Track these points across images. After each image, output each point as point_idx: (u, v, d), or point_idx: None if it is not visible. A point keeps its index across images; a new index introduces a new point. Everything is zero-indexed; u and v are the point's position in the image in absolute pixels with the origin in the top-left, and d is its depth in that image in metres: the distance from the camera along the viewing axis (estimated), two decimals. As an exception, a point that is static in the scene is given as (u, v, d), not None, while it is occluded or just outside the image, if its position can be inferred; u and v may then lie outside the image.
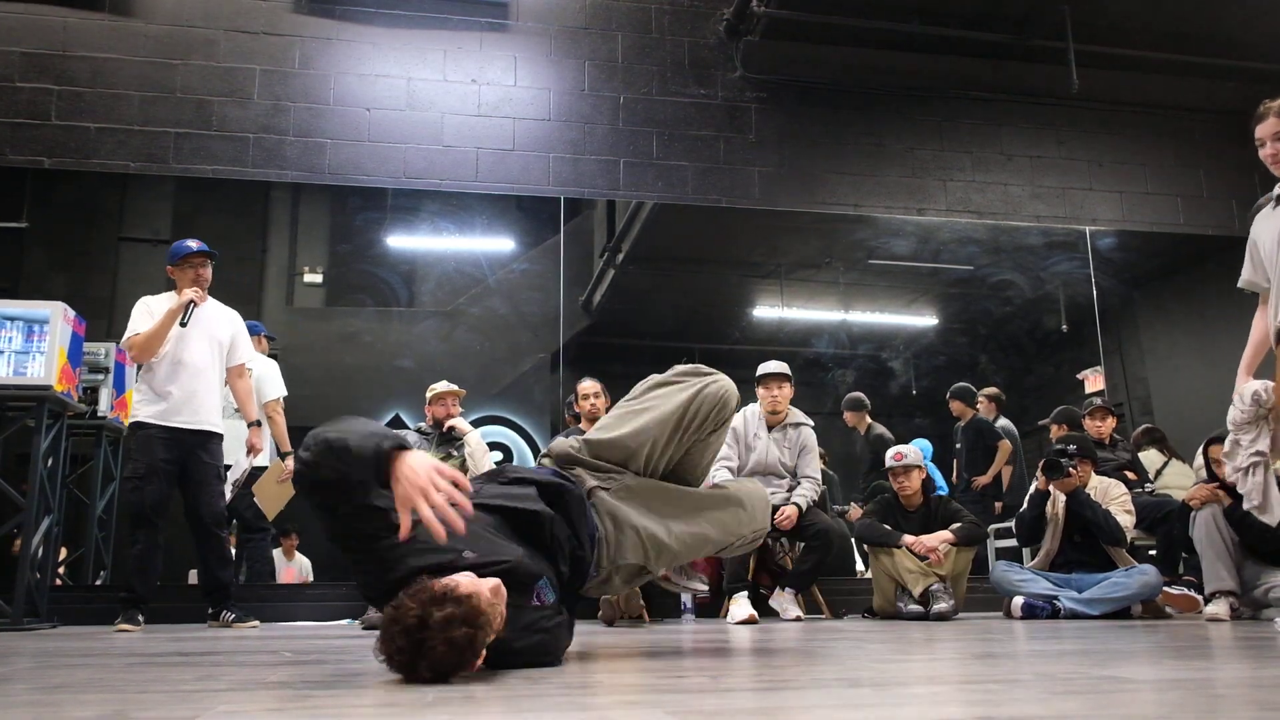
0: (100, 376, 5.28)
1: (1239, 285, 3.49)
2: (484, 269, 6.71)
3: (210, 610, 4.64)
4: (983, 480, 6.64)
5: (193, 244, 4.69)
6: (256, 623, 4.62)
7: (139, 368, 4.66)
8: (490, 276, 6.70)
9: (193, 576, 5.35)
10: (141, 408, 4.55)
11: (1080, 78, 7.11)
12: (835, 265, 7.51)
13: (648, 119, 6.89)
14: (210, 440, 4.64)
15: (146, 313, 4.60)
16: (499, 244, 6.83)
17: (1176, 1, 7.20)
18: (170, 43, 6.31)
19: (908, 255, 7.36)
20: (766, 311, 7.41)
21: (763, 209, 6.96)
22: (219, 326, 4.77)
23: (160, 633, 4.08)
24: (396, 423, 6.02)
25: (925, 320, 7.73)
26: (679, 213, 6.90)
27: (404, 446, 1.81)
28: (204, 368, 4.63)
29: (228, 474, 4.90)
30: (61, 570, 5.43)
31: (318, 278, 6.75)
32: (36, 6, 6.15)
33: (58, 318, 4.52)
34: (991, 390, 6.96)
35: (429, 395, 5.13)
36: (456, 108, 6.64)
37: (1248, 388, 3.38)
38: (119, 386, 5.42)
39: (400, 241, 6.78)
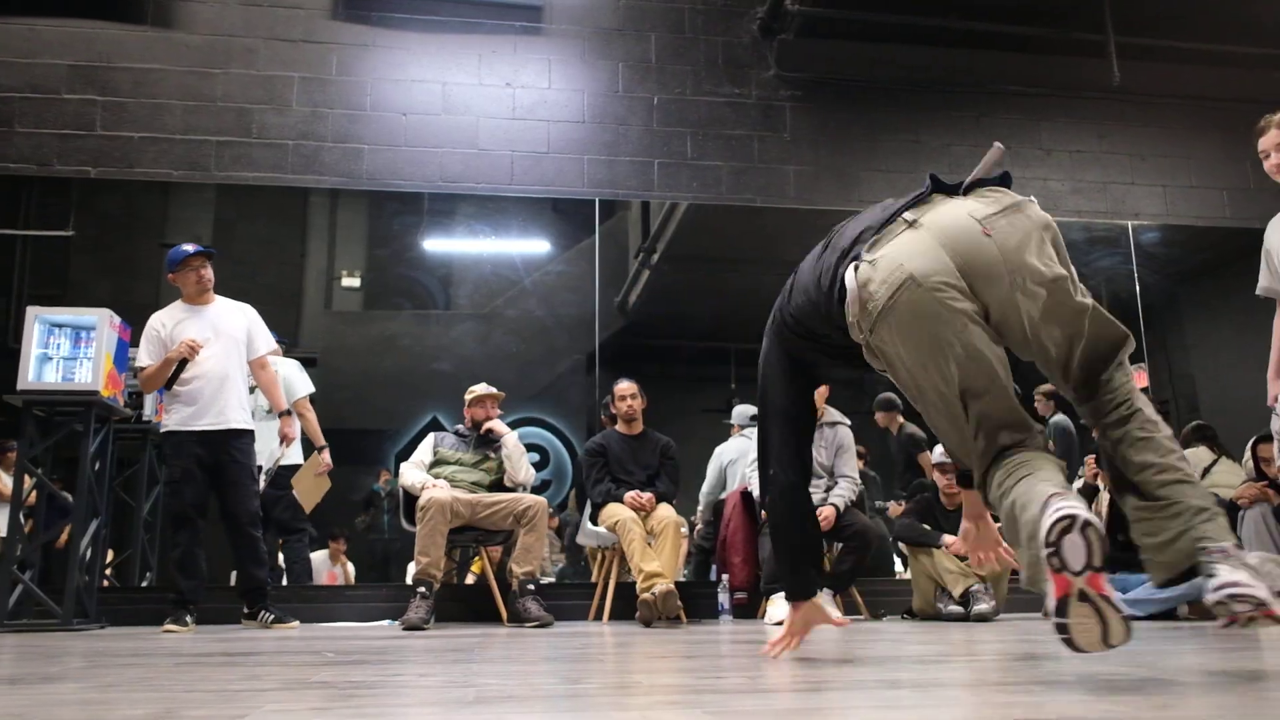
0: (145, 381, 5.37)
1: (1257, 292, 3.46)
2: (520, 271, 6.74)
3: (246, 610, 4.69)
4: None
5: (189, 247, 4.74)
6: (296, 623, 4.67)
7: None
8: (526, 279, 6.73)
9: (234, 578, 5.43)
10: (170, 417, 4.65)
11: (1121, 70, 7.00)
12: (872, 263, 7.45)
13: (682, 119, 6.88)
14: (240, 438, 4.69)
15: (155, 338, 4.66)
16: (534, 246, 6.86)
17: (1219, -10, 7.07)
18: (210, 52, 6.41)
19: (945, 252, 7.27)
20: (803, 311, 7.37)
21: (798, 208, 6.93)
22: (233, 324, 4.80)
23: (204, 633, 4.15)
24: (435, 425, 6.06)
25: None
26: (714, 213, 6.89)
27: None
28: (223, 370, 4.68)
29: (260, 469, 4.97)
30: (109, 572, 5.53)
31: (356, 282, 6.82)
32: (82, 20, 6.28)
33: (104, 324, 4.60)
34: (1048, 387, 6.83)
35: (468, 398, 5.16)
36: (491, 111, 6.68)
37: None
38: (162, 391, 5.51)
39: (437, 245, 6.83)
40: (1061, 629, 1.56)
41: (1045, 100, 7.42)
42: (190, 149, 6.24)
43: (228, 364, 4.71)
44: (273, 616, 4.61)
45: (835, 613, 4.79)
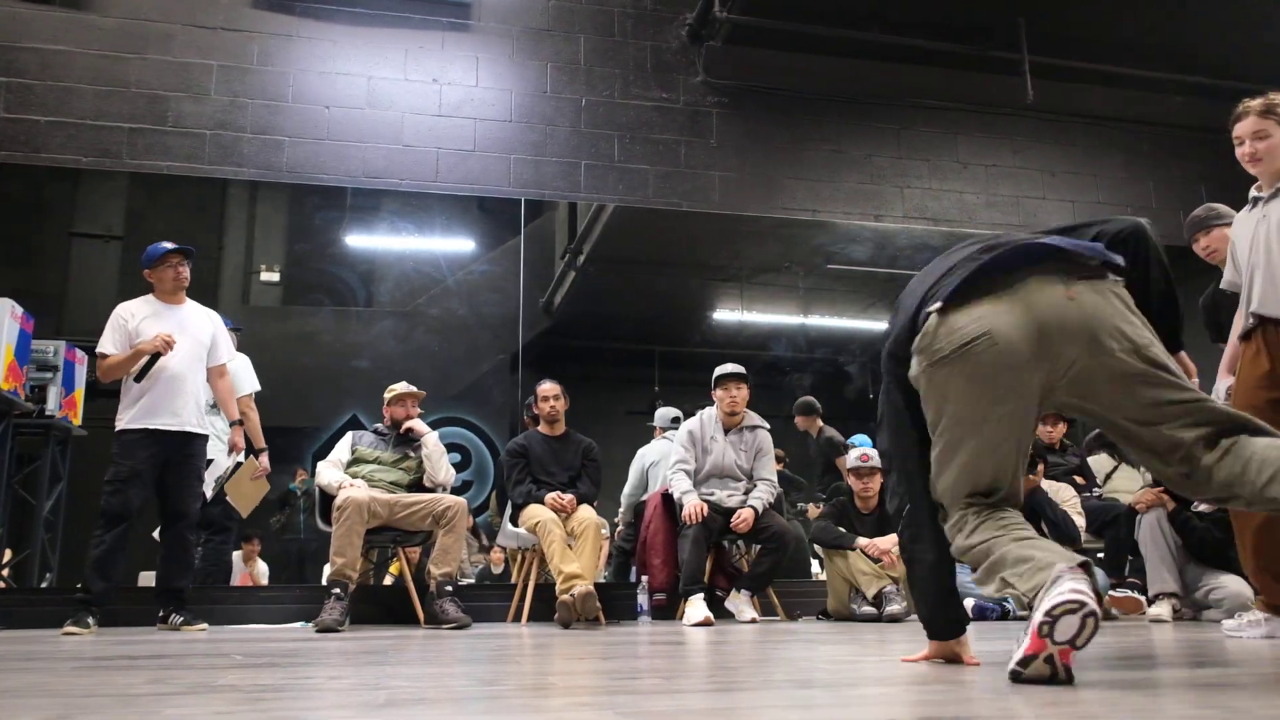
0: (49, 375, 5.18)
1: (1221, 286, 3.51)
2: (443, 270, 6.68)
3: (160, 613, 4.58)
4: None
5: (168, 245, 4.67)
6: (205, 626, 4.55)
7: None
8: (449, 277, 6.67)
9: (142, 579, 5.27)
10: (124, 414, 4.51)
11: (1035, 89, 7.24)
12: (795, 270, 7.57)
13: (609, 122, 6.90)
14: (193, 442, 4.62)
15: (121, 328, 4.55)
16: (459, 245, 6.80)
17: (1131, 16, 7.35)
18: (124, 36, 6.20)
19: (865, 261, 7.44)
20: (727, 315, 7.46)
21: (723, 213, 7.00)
22: (199, 327, 4.73)
23: (108, 636, 4.02)
24: (354, 423, 5.96)
25: (882, 325, 7.82)
26: (640, 216, 6.92)
27: None
28: (185, 371, 4.59)
29: (209, 471, 4.85)
30: (5, 573, 5.32)
31: (275, 276, 6.68)
32: (-14, -4, 6.03)
33: (5, 314, 4.44)
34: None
35: (387, 396, 5.09)
36: (417, 107, 6.61)
37: (1222, 385, 3.43)
38: (68, 385, 5.32)
39: (359, 241, 6.72)
40: (1015, 677, 1.70)
41: (963, 115, 7.63)
42: (101, 135, 6.03)
43: (190, 366, 4.62)
44: (181, 619, 4.50)
45: (750, 612, 4.87)
